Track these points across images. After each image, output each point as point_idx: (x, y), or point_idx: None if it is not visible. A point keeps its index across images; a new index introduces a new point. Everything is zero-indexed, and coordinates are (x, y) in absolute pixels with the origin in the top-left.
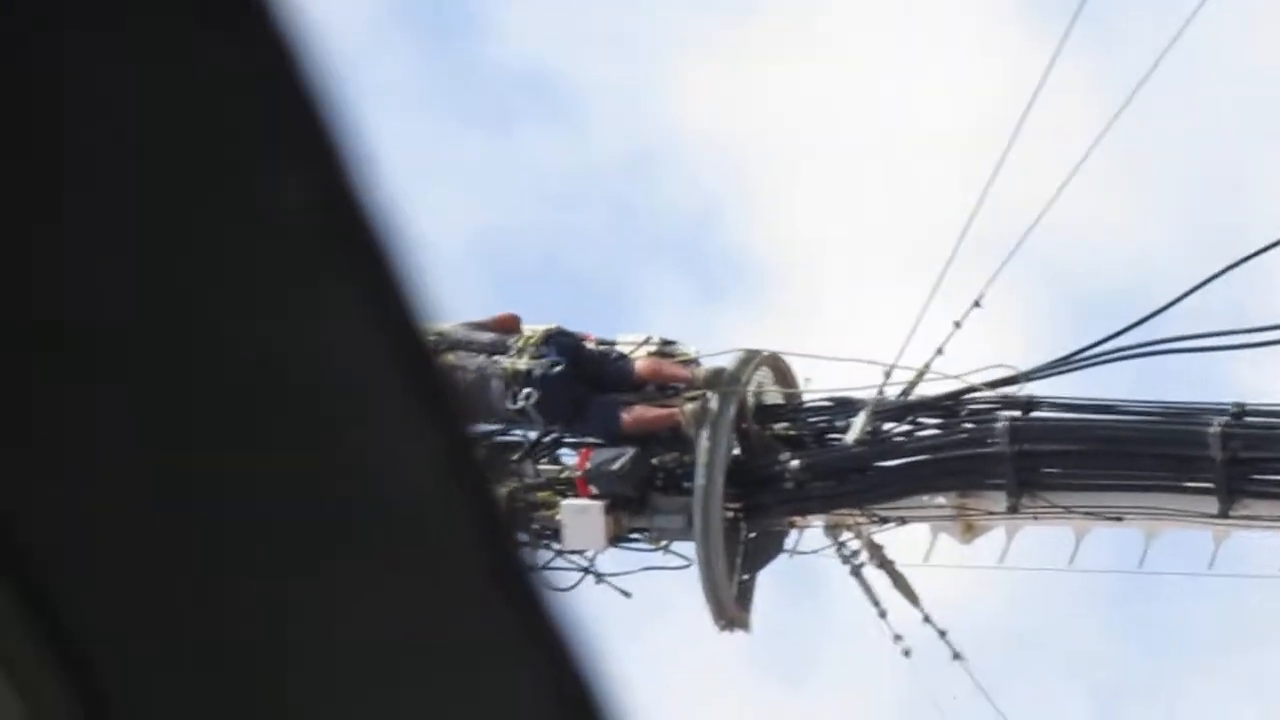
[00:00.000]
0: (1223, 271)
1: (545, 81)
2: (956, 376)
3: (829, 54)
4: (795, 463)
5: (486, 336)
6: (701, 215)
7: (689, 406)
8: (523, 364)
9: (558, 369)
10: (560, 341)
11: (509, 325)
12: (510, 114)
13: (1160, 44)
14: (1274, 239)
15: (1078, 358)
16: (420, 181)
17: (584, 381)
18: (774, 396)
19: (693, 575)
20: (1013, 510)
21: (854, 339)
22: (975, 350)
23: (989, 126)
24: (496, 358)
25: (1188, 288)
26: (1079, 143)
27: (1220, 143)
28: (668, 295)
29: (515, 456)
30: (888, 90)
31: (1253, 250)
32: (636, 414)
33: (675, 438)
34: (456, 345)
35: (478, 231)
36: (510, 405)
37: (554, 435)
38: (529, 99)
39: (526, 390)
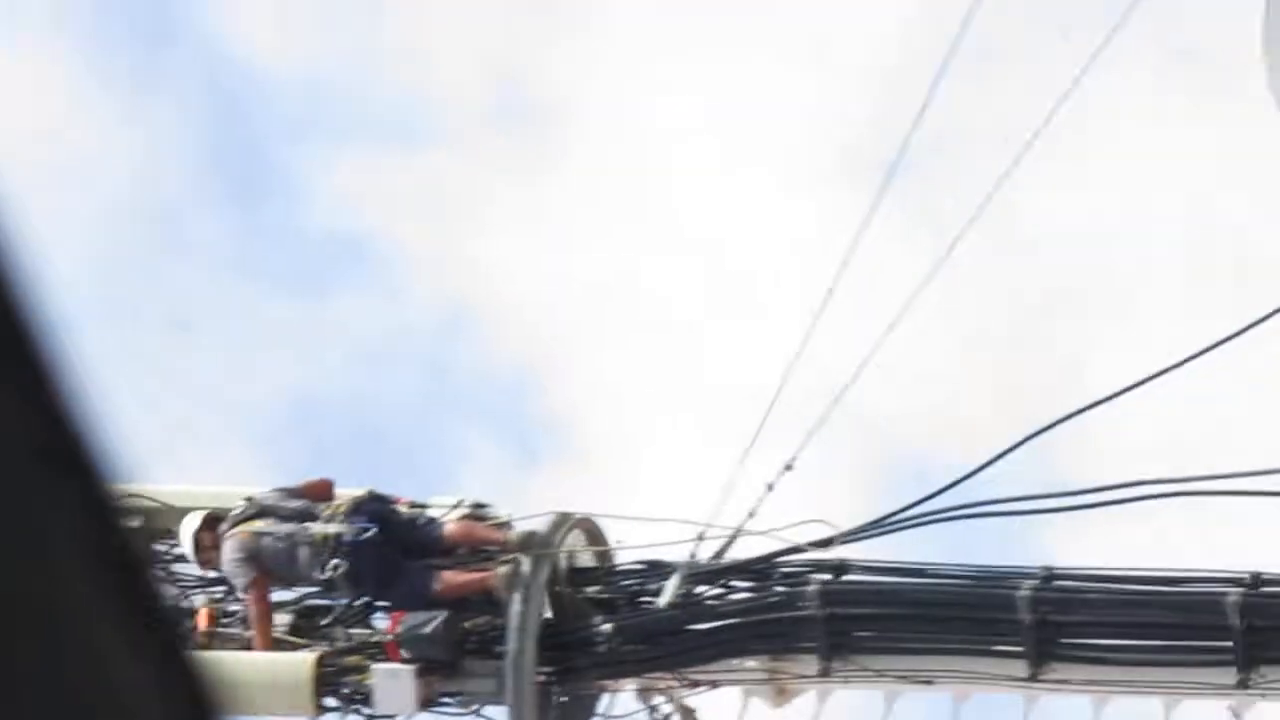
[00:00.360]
0: (1030, 437)
1: (358, 244)
2: (767, 532)
3: (639, 209)
4: (607, 626)
5: (296, 503)
6: (516, 377)
7: (501, 570)
8: (332, 529)
9: (366, 536)
10: (370, 508)
11: (321, 491)
12: (324, 277)
13: (976, 206)
14: (1083, 404)
15: (889, 521)
16: (234, 347)
17: (394, 547)
18: (587, 559)
19: None
20: (824, 674)
21: (668, 501)
22: (789, 510)
23: (805, 284)
24: (307, 524)
25: (999, 451)
26: (895, 304)
27: (1035, 303)
28: (483, 458)
29: (326, 621)
30: (699, 245)
31: (1060, 416)
32: (448, 579)
33: (488, 601)
34: (265, 512)
35: (294, 397)
36: (319, 574)
37: (365, 599)
38: (342, 261)
39: (335, 561)
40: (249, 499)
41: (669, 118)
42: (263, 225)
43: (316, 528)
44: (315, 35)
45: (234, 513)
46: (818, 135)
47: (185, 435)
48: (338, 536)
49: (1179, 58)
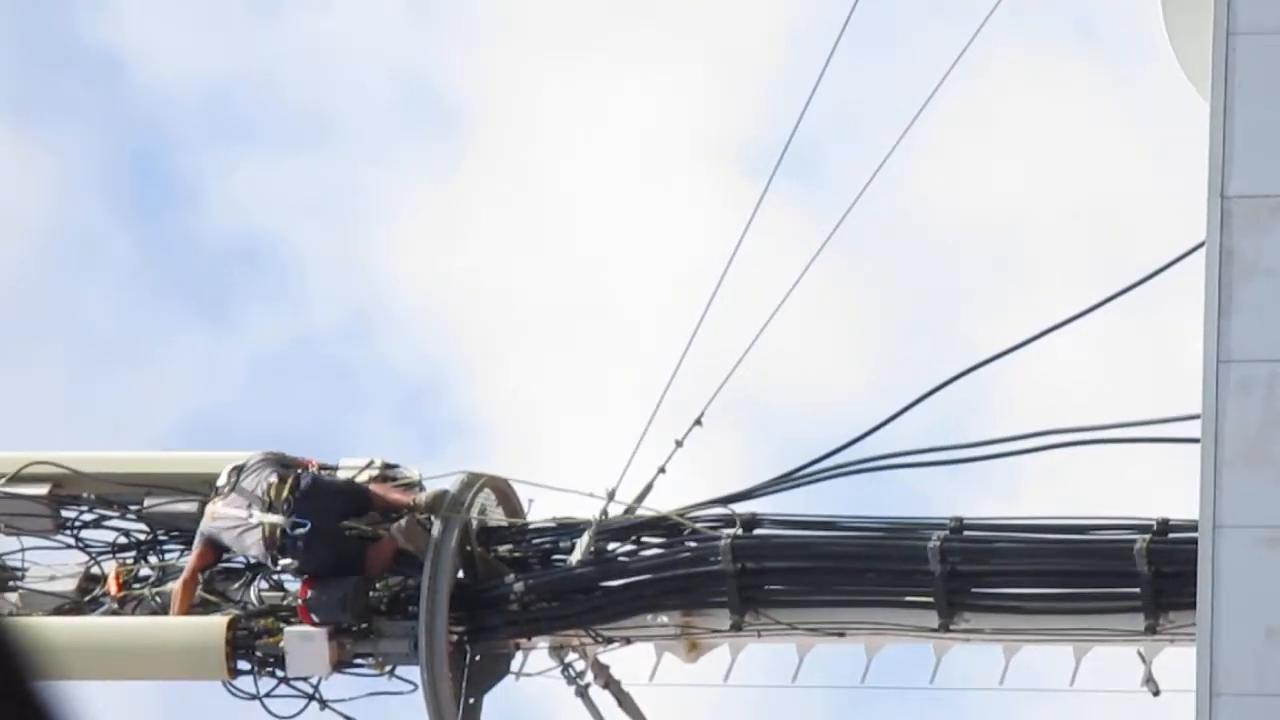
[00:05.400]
0: (934, 390)
1: (259, 252)
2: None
3: (538, 205)
4: (519, 584)
5: (250, 484)
6: (421, 378)
7: (400, 523)
8: (274, 520)
9: (301, 532)
10: (304, 505)
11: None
12: (225, 285)
13: (862, 183)
14: (978, 361)
15: (798, 474)
16: (132, 363)
17: (334, 528)
18: (498, 519)
19: (419, 699)
20: (736, 628)
21: (576, 475)
22: (697, 477)
23: (699, 271)
24: (253, 511)
25: (903, 406)
26: (785, 276)
27: (931, 272)
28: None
29: (237, 584)
30: (598, 240)
31: (960, 371)
32: (376, 552)
33: (404, 562)
34: (235, 489)
35: (194, 410)
36: (270, 564)
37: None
38: (243, 268)
39: (286, 561)
40: (236, 468)
41: (568, 118)
42: (163, 235)
43: (260, 517)
44: (212, 40)
45: (218, 483)
46: (713, 126)
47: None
48: (281, 531)
49: (1077, 28)
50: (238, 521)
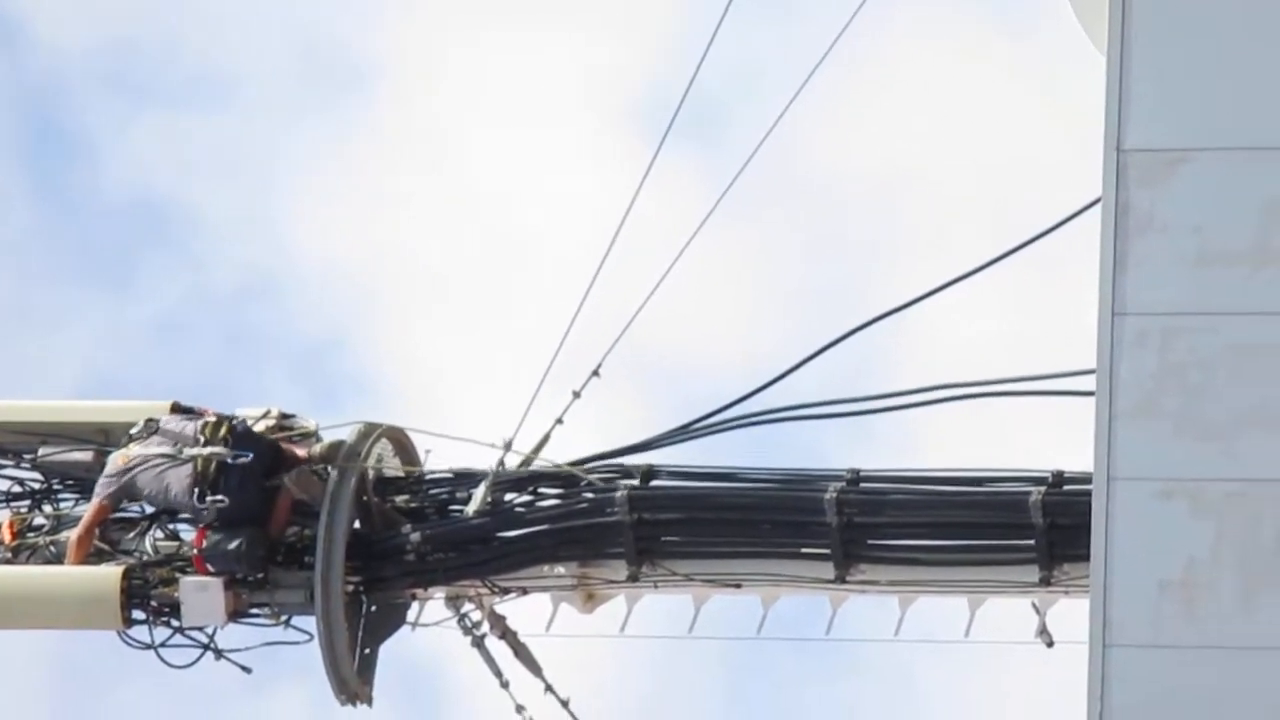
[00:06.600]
0: (830, 345)
1: (158, 209)
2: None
3: (440, 163)
4: (416, 535)
5: (190, 425)
6: (323, 335)
7: (292, 473)
8: (208, 452)
9: (243, 460)
10: (243, 441)
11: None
12: (125, 246)
13: (760, 141)
14: (875, 315)
15: (695, 427)
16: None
17: (259, 471)
18: (395, 469)
19: (315, 649)
20: (633, 579)
21: (474, 427)
22: (595, 429)
23: (598, 227)
24: (182, 447)
25: (797, 361)
26: (684, 237)
27: (829, 227)
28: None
29: (132, 534)
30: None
31: (854, 326)
32: (279, 505)
33: (300, 513)
34: (157, 433)
35: (92, 369)
36: (194, 502)
37: (172, 511)
38: (143, 228)
39: (216, 497)
40: (149, 420)
41: (472, 78)
42: (61, 194)
43: (193, 450)
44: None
45: (131, 430)
46: (611, 85)
47: None
48: (218, 464)
49: None
50: (161, 460)
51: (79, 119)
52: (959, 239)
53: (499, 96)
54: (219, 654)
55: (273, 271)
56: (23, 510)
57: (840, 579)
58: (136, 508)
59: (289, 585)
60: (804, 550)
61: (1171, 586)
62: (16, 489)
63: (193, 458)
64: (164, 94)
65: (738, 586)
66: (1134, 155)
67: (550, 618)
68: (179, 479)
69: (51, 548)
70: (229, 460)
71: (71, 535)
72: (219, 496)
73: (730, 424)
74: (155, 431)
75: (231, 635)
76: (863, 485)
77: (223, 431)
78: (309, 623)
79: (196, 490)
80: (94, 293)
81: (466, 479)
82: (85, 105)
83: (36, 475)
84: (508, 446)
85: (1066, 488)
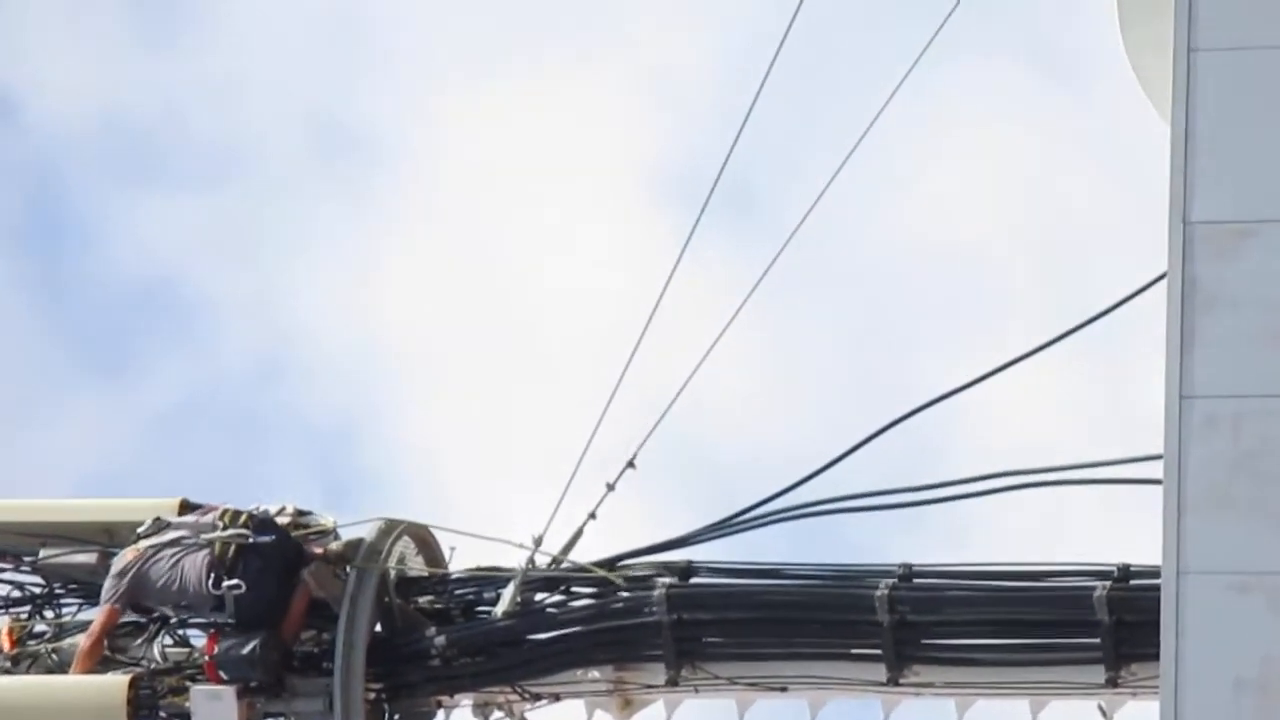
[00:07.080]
0: (880, 432)
1: (161, 294)
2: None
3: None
4: (441, 638)
5: (190, 519)
6: (334, 425)
7: (311, 567)
8: (229, 535)
9: (265, 540)
10: (264, 528)
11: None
12: (126, 332)
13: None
14: (926, 400)
15: (735, 521)
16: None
17: (278, 565)
18: (418, 569)
19: None
20: (672, 683)
21: (501, 523)
22: (630, 523)
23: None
24: (200, 534)
25: (846, 449)
26: (722, 319)
27: (877, 306)
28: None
29: (139, 640)
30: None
31: (907, 411)
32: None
33: (318, 615)
34: (168, 529)
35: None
36: (209, 589)
37: (182, 617)
38: (145, 315)
39: (232, 581)
40: (157, 519)
41: (491, 156)
42: (60, 279)
43: (211, 535)
44: (108, 77)
45: (139, 529)
46: (644, 166)
47: None
48: (237, 548)
49: (1029, 46)
50: (177, 549)
51: (77, 200)
52: (1015, 317)
53: (524, 174)
54: None
55: (282, 358)
56: (23, 616)
57: (893, 681)
58: (140, 617)
59: (306, 693)
60: (854, 651)
61: (1248, 686)
62: (16, 594)
63: (210, 541)
64: (164, 174)
65: (784, 690)
66: (1201, 228)
67: None
68: (194, 565)
69: (53, 655)
70: (250, 541)
71: (80, 643)
72: (236, 582)
73: (773, 517)
74: (166, 527)
75: None
76: (915, 581)
77: (242, 519)
78: None
79: (213, 576)
80: (95, 381)
81: (494, 578)
82: (83, 186)
83: (37, 579)
84: (538, 543)
85: (1133, 582)
